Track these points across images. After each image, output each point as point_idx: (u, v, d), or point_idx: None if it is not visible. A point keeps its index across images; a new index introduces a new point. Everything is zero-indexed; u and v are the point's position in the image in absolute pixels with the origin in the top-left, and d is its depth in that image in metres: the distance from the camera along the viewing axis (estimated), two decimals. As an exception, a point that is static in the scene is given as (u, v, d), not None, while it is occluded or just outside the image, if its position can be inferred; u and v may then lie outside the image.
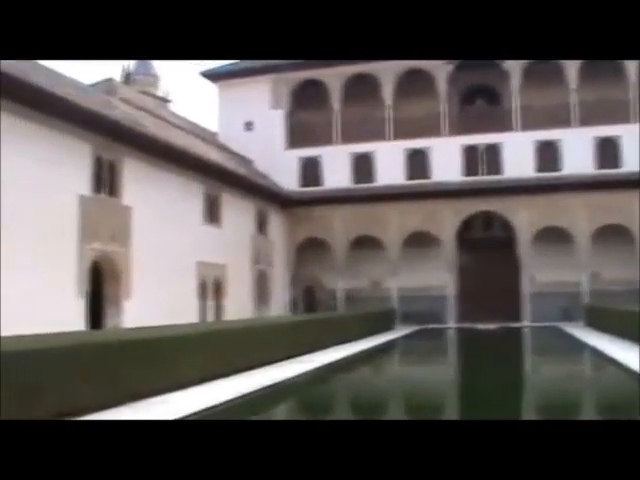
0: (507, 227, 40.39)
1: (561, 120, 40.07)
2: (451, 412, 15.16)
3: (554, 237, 39.13)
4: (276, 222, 40.68)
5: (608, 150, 39.45)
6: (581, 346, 26.26)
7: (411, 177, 41.95)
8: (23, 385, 10.34)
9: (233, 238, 34.07)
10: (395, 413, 15.25)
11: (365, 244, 40.97)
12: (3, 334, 12.53)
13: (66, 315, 20.24)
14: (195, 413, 12.08)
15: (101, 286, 23.65)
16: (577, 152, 39.32)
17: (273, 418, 14.73)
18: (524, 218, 39.25)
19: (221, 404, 13.16)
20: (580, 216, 38.31)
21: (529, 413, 14.98)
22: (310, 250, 42.33)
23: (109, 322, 23.51)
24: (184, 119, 41.69)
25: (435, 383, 20.07)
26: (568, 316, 38.99)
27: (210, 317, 30.97)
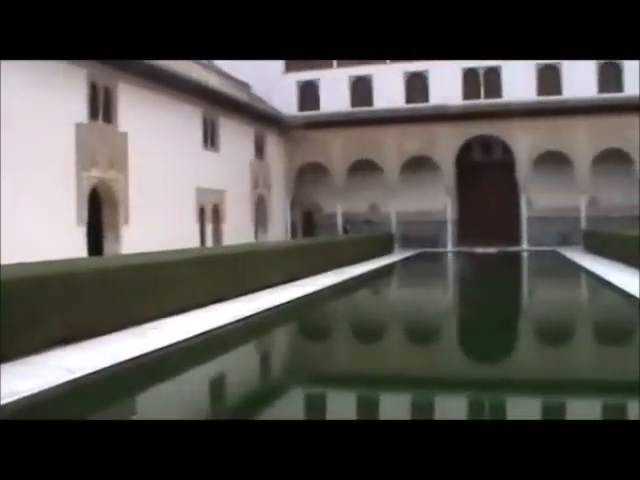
0: (507, 151, 40.18)
1: (562, 42, 39.47)
2: (445, 333, 15.41)
3: (554, 162, 38.96)
4: (274, 147, 40.48)
5: (610, 73, 39.01)
6: (579, 270, 26.47)
7: (410, 100, 41.63)
8: (25, 312, 10.47)
9: (232, 163, 33.94)
10: (391, 334, 15.49)
11: (364, 168, 40.84)
12: (5, 262, 12.59)
13: (67, 243, 20.29)
14: (192, 337, 12.27)
15: (100, 213, 23.67)
16: (579, 75, 38.87)
17: (268, 341, 14.95)
18: (524, 142, 38.99)
19: (218, 328, 13.34)
20: (580, 140, 38.07)
21: (525, 334, 15.22)
22: (309, 174, 42.24)
23: (108, 249, 23.60)
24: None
25: (433, 306, 20.28)
26: (566, 241, 39.18)
27: (209, 242, 31.06)
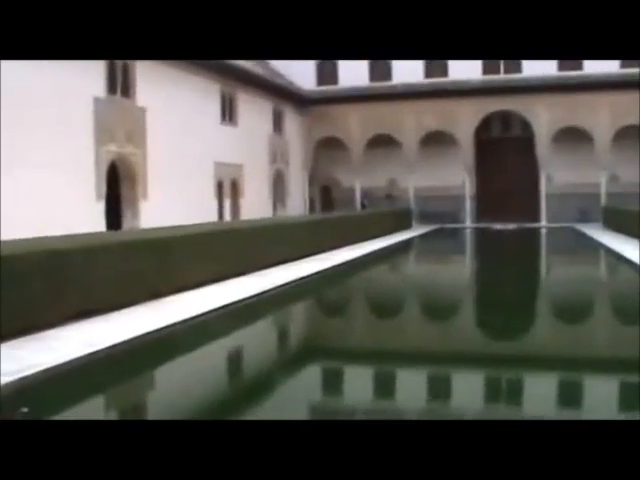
0: (526, 127, 39.91)
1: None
2: (464, 309, 15.44)
3: (574, 138, 38.68)
4: (293, 121, 40.39)
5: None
6: (597, 246, 26.36)
7: (429, 75, 41.32)
8: (45, 286, 10.59)
9: (250, 138, 33.91)
10: (408, 310, 15.53)
11: (382, 143, 40.71)
12: (25, 237, 12.70)
13: (85, 218, 20.40)
14: (211, 311, 12.37)
15: (118, 188, 23.78)
16: (600, 49, 38.33)
17: (285, 315, 15.03)
18: (544, 118, 38.71)
19: (236, 302, 13.43)
20: (601, 116, 37.73)
21: (543, 310, 15.23)
22: (327, 149, 42.17)
23: (127, 224, 23.71)
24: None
25: (452, 282, 20.28)
26: (585, 217, 38.91)
27: (227, 217, 31.14)
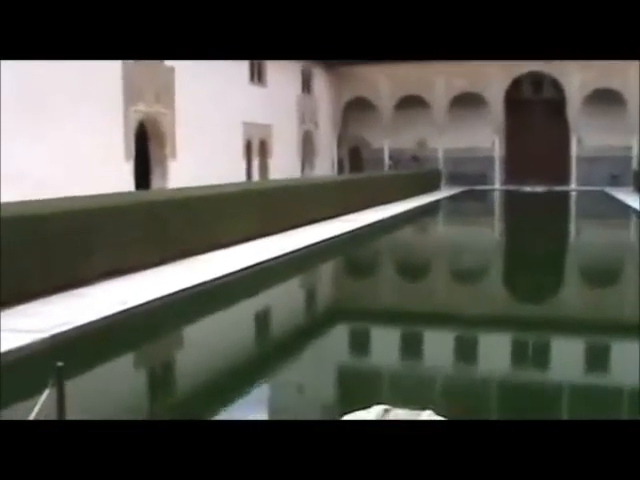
0: (557, 88, 39.38)
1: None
2: (492, 271, 15.40)
3: (606, 100, 38.06)
4: (321, 82, 40.14)
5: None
6: (628, 210, 26.07)
7: (460, 35, 40.78)
8: (76, 245, 10.68)
9: (278, 98, 33.77)
10: (436, 271, 15.52)
11: (411, 104, 40.40)
12: (56, 197, 12.79)
13: (115, 177, 20.46)
14: (240, 270, 12.43)
15: (147, 148, 23.79)
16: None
17: (313, 275, 15.08)
18: (575, 79, 38.16)
19: (265, 261, 13.49)
20: (634, 78, 37.02)
21: (570, 274, 15.17)
22: (356, 110, 41.92)
23: (156, 184, 23.77)
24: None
25: (482, 243, 20.21)
26: (617, 181, 38.47)
27: (256, 177, 31.16)
